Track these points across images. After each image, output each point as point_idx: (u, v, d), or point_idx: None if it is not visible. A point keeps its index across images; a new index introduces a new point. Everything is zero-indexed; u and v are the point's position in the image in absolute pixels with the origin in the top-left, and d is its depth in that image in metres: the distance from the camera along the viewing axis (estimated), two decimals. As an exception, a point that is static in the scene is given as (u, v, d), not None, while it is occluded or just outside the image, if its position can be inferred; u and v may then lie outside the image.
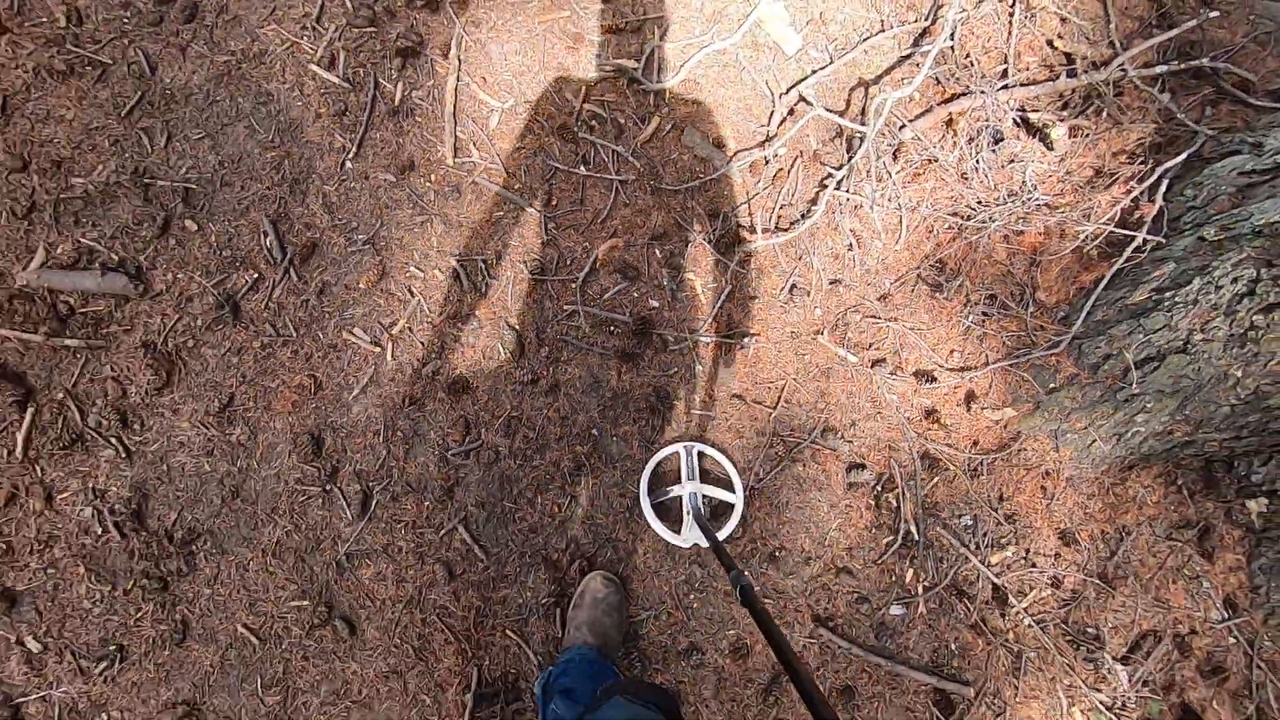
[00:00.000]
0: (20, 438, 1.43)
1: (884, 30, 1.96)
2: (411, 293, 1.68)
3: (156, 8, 1.71)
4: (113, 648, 1.42)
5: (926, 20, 1.95)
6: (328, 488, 1.54)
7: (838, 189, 1.88)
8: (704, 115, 1.96)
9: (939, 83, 1.88)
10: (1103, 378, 1.61)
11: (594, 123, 1.89)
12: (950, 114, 1.85)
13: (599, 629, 1.47)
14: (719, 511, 1.66)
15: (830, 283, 1.82)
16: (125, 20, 1.69)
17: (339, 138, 1.72)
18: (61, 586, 1.42)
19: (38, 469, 1.44)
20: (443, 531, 1.57)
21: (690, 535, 1.58)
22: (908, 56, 1.94)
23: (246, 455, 1.55)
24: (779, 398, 1.74)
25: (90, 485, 1.45)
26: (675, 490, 1.62)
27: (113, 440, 1.47)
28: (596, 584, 1.54)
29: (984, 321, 1.76)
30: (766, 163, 1.92)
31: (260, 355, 1.59)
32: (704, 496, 1.62)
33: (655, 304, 1.79)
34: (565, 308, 1.75)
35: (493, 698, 1.50)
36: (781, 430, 1.71)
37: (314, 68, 1.75)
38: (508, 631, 1.54)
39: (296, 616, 1.50)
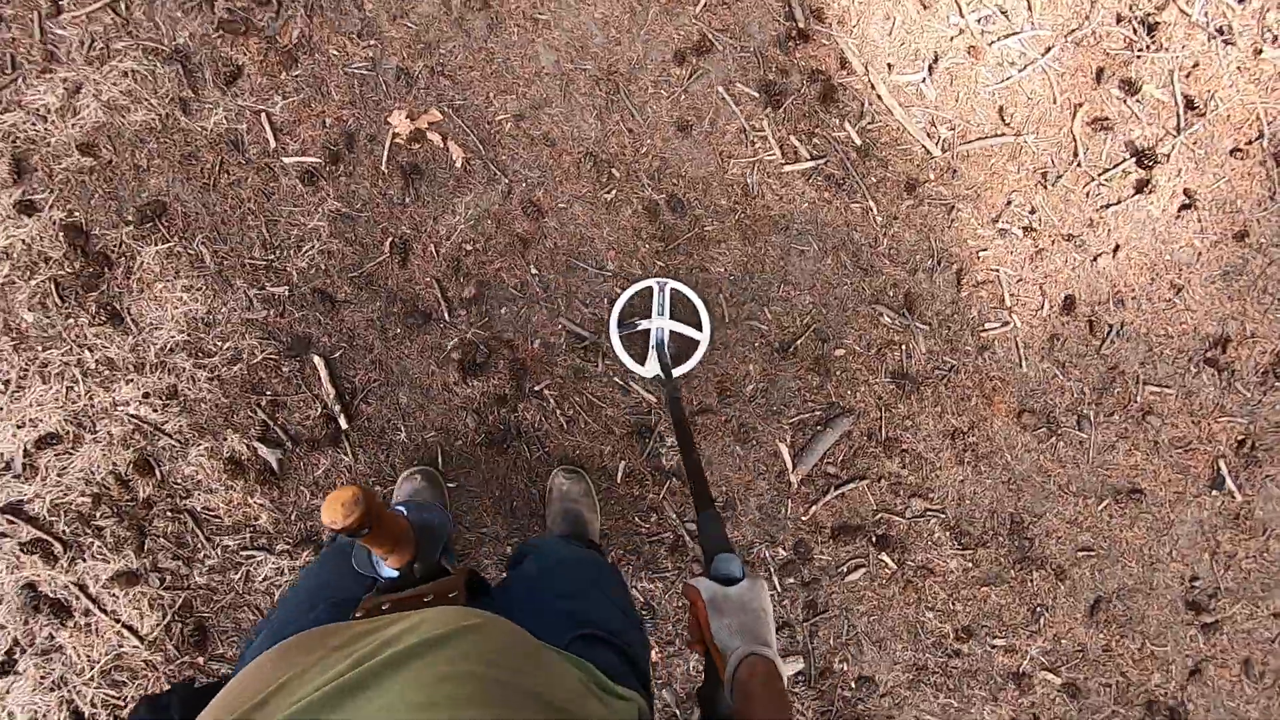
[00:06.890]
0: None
1: None
2: (1007, 307, 1.87)
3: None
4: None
5: None
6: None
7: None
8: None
9: None
10: None
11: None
12: None
13: (570, 518, 1.58)
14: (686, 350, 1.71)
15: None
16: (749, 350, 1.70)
17: (854, 208, 1.81)
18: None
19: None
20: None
21: (652, 366, 1.65)
22: None
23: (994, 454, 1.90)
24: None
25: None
26: (644, 324, 1.68)
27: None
28: (559, 479, 1.66)
29: None
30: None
31: (949, 384, 1.87)
32: (671, 332, 1.68)
33: None
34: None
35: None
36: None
37: (789, 169, 1.77)
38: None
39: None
